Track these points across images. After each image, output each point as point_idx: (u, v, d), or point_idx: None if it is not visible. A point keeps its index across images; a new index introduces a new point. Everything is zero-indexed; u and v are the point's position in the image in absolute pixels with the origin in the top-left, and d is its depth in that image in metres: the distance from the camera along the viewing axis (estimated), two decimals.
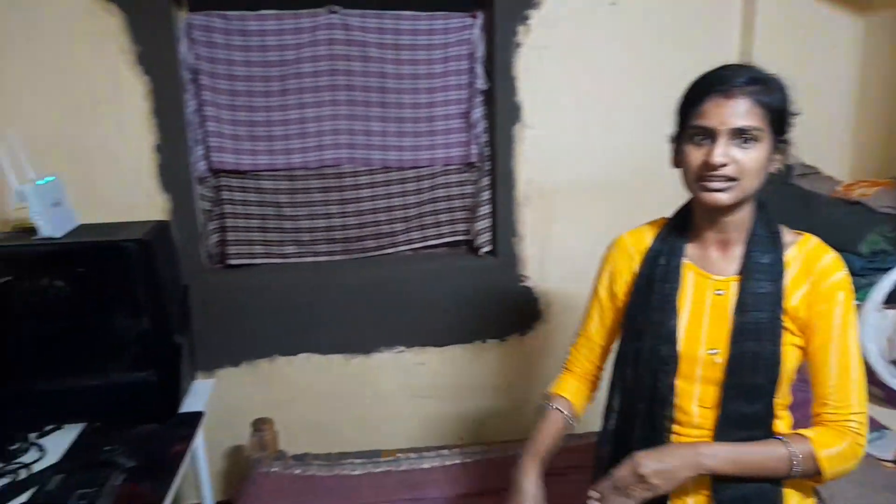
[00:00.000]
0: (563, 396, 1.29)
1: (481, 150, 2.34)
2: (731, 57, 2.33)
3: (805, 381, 1.09)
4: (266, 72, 2.16)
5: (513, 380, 2.46)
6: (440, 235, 2.43)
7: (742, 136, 0.97)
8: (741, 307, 1.04)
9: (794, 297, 1.05)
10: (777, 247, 1.05)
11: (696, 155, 1.00)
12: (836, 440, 1.01)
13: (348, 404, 2.38)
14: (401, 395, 2.40)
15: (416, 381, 2.40)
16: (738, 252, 1.08)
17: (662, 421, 1.08)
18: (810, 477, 1.03)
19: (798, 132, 2.29)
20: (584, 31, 2.22)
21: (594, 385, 1.33)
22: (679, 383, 1.08)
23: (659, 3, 2.23)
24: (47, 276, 1.65)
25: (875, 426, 1.81)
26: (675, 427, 1.09)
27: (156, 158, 2.10)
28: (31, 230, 1.69)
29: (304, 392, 2.34)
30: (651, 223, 1.22)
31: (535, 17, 2.19)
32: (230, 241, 2.28)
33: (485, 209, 2.36)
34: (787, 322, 1.05)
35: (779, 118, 1.01)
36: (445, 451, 2.10)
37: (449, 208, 2.41)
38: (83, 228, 1.81)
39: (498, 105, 2.24)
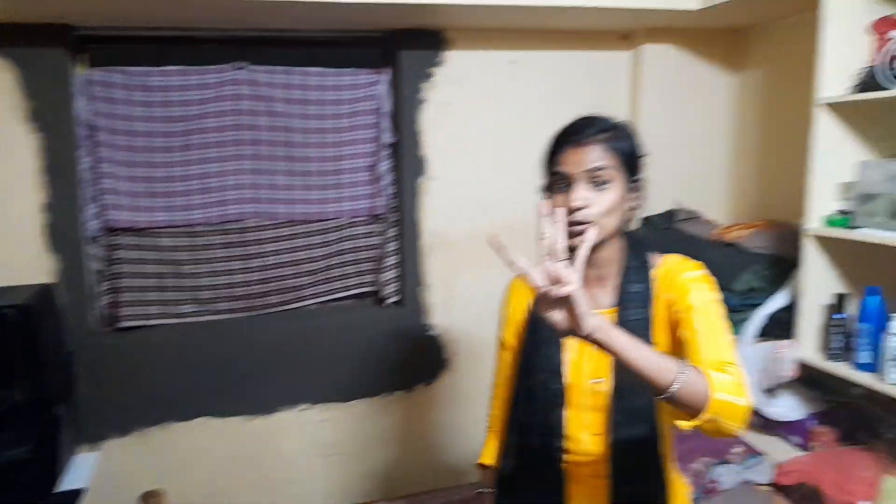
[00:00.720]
0: (490, 468, 1.31)
1: (388, 202, 2.38)
2: (622, 111, 2.52)
3: None
4: (168, 127, 2.14)
5: (421, 430, 2.44)
6: (347, 288, 2.42)
7: (595, 179, 1.07)
8: None
9: (660, 304, 1.12)
10: (646, 275, 1.14)
11: (559, 201, 1.09)
12: (721, 371, 0.96)
13: (248, 468, 2.26)
14: (305, 454, 2.32)
15: (320, 438, 2.33)
16: (614, 284, 1.16)
17: (555, 453, 1.13)
18: (694, 406, 0.91)
19: (681, 180, 2.51)
20: (486, 88, 2.35)
21: None
22: (570, 414, 1.13)
23: (554, 63, 2.40)
24: None
25: (753, 452, 1.92)
26: (568, 457, 1.14)
27: (44, 218, 2.00)
28: None
29: (200, 459, 2.21)
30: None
31: (439, 74, 2.30)
32: (123, 303, 2.17)
33: (391, 260, 2.38)
34: (662, 338, 1.11)
35: (628, 160, 1.12)
36: None
37: (355, 260, 2.42)
38: None
39: (404, 158, 2.32)
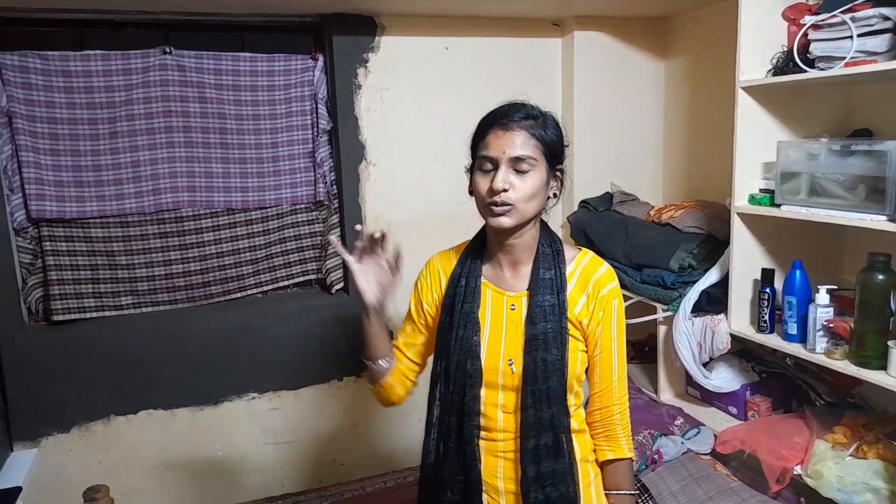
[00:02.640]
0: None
1: (328, 188, 2.35)
2: (556, 97, 2.53)
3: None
4: (93, 114, 2.07)
5: (370, 415, 2.44)
6: (291, 276, 2.40)
7: (519, 164, 1.09)
8: (531, 319, 1.14)
9: (576, 307, 1.16)
10: (559, 263, 1.17)
11: (483, 182, 1.11)
12: (627, 429, 1.21)
13: (196, 460, 2.24)
14: (254, 444, 2.30)
15: (269, 427, 2.31)
16: (527, 270, 1.19)
17: (472, 430, 1.15)
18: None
19: (617, 164, 2.53)
20: (422, 74, 2.34)
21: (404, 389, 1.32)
22: (485, 392, 1.16)
23: (488, 49, 2.40)
24: None
25: (693, 423, 1.98)
26: (483, 434, 1.16)
27: None
28: None
29: (145, 452, 2.18)
30: (457, 246, 1.31)
31: (374, 60, 2.27)
32: (55, 296, 2.11)
33: None
34: (572, 330, 1.16)
35: (551, 149, 1.14)
36: (302, 498, 2.04)
37: (299, 248, 2.39)
38: None
39: (342, 144, 2.28)
